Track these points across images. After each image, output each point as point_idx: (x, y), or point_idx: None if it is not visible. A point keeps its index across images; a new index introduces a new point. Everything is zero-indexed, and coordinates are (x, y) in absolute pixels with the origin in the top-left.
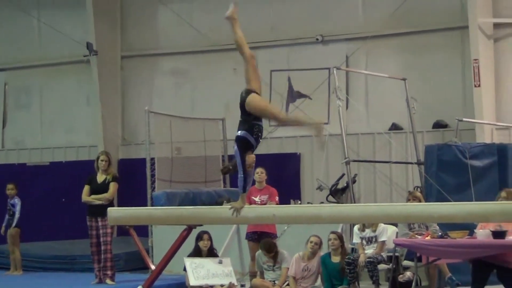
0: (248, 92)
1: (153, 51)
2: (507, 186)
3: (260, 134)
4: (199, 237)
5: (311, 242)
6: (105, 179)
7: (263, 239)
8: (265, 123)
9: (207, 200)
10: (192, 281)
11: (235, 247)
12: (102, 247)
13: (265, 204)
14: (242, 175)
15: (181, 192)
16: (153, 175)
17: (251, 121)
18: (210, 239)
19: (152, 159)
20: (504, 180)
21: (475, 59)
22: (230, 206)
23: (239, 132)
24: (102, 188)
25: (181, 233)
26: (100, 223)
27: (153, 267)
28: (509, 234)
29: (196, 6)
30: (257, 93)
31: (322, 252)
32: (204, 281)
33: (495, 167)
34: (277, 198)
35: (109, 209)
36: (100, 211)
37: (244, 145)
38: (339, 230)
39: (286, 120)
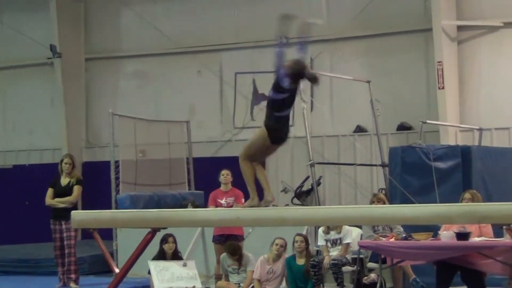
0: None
1: (117, 53)
2: (470, 188)
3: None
4: (164, 240)
5: (276, 244)
6: (69, 182)
7: (227, 242)
8: (230, 125)
9: (172, 202)
10: (156, 285)
11: (200, 250)
12: (66, 251)
13: (231, 206)
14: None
15: (146, 195)
16: (117, 178)
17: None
18: (175, 241)
19: (117, 161)
20: (467, 182)
21: (439, 62)
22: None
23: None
24: (66, 191)
25: (145, 236)
26: (64, 226)
27: (117, 270)
28: (472, 235)
29: (159, 8)
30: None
31: (287, 254)
32: (169, 284)
33: (459, 169)
34: (243, 200)
35: (72, 212)
36: (63, 214)
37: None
38: (304, 232)
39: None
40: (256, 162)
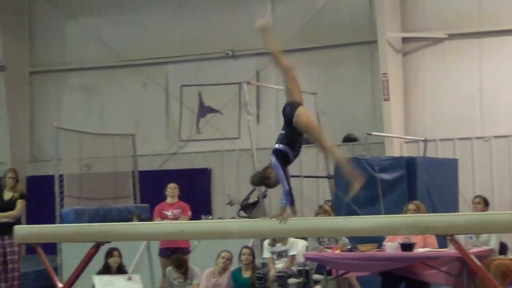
0: (293, 106)
1: (61, 66)
2: (415, 199)
3: (299, 150)
4: (109, 254)
5: (222, 257)
6: (12, 196)
7: (173, 255)
8: (176, 138)
9: (117, 216)
10: None
11: (145, 264)
12: (9, 266)
13: (177, 218)
14: (287, 188)
15: (91, 209)
16: (61, 192)
17: (294, 135)
18: (120, 255)
19: (61, 175)
20: (412, 193)
21: (384, 73)
22: (276, 218)
23: (280, 146)
24: (8, 206)
25: (89, 251)
26: (6, 242)
27: (60, 285)
28: (417, 246)
29: (104, 21)
30: (302, 105)
31: (233, 267)
32: None
33: (404, 180)
34: (189, 213)
35: (15, 227)
36: (6, 229)
37: (284, 159)
38: (250, 245)
39: (327, 149)
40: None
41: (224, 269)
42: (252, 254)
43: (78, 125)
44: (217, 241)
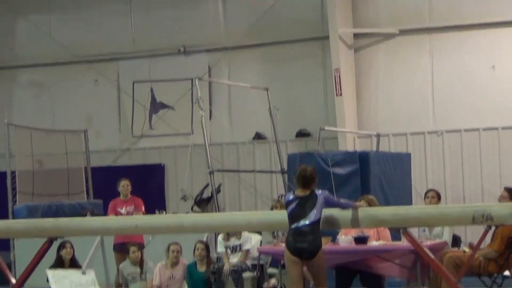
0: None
1: (10, 63)
2: (369, 193)
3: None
4: (61, 246)
5: (172, 251)
6: None
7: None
8: (128, 134)
9: (70, 212)
10: None
11: (99, 259)
12: None
13: (131, 214)
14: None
15: (44, 205)
16: (14, 189)
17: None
18: (72, 247)
19: (13, 172)
20: (366, 187)
21: (336, 69)
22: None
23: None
24: None
25: (42, 246)
26: None
27: (14, 281)
28: (371, 239)
29: (54, 17)
30: None
31: (187, 261)
32: None
33: (357, 174)
34: (143, 208)
35: None
36: None
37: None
38: (205, 239)
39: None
40: None
41: (176, 262)
42: (207, 249)
43: (30, 121)
44: (171, 235)
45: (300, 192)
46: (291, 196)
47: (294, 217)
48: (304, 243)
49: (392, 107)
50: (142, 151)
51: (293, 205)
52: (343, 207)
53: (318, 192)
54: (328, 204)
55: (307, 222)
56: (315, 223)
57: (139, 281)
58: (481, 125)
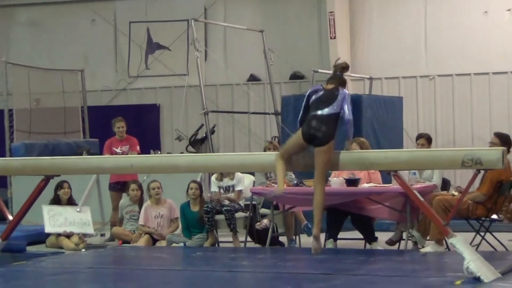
0: (329, 135)
1: (8, 1)
2: (361, 135)
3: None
4: (59, 186)
5: (153, 188)
6: None
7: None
8: (125, 74)
9: (67, 151)
10: (47, 228)
11: (95, 197)
12: None
13: (126, 154)
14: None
15: (41, 143)
16: (11, 127)
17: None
18: (69, 188)
19: (10, 110)
20: (358, 129)
21: (331, 12)
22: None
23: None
24: None
25: (39, 184)
26: None
27: (11, 217)
28: (362, 182)
29: None
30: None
31: (169, 198)
32: (60, 229)
33: None
34: (138, 148)
35: None
36: None
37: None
38: (198, 180)
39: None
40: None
41: (158, 199)
42: (200, 189)
43: (27, 60)
44: (166, 175)
45: (328, 86)
46: (318, 88)
47: (315, 104)
48: (318, 132)
49: (385, 51)
50: (138, 91)
51: (318, 94)
52: (347, 122)
53: (343, 90)
54: (344, 101)
55: (325, 112)
56: (333, 115)
57: (137, 218)
58: (472, 70)
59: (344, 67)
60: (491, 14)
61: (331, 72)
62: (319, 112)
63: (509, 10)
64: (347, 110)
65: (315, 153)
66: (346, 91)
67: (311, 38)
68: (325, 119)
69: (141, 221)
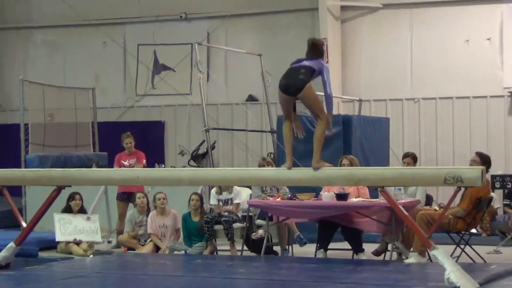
0: (304, 81)
1: (27, 23)
2: (350, 153)
3: None
4: (71, 198)
5: (158, 199)
6: None
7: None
8: (132, 93)
9: (78, 163)
10: (58, 237)
11: (103, 206)
12: None
13: (133, 166)
14: (331, 93)
15: (53, 156)
16: (27, 140)
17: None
18: (81, 199)
19: (26, 124)
20: (348, 148)
21: (324, 38)
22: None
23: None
24: None
25: (51, 193)
26: None
27: (24, 224)
28: (351, 196)
29: None
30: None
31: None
32: (71, 236)
33: (340, 136)
34: (144, 161)
35: None
36: None
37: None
38: (199, 192)
39: (323, 119)
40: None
41: (163, 210)
42: (201, 200)
43: (42, 78)
44: (170, 187)
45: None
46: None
47: (292, 64)
48: (290, 80)
49: (374, 75)
50: (145, 109)
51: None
52: (327, 96)
53: (323, 61)
54: (321, 74)
55: (301, 64)
56: (307, 67)
57: (145, 225)
58: (454, 94)
59: (315, 43)
60: (472, 43)
61: (323, 94)
62: (293, 66)
63: (488, 39)
64: (327, 81)
65: (302, 102)
66: (325, 64)
67: None
68: (296, 68)
69: (149, 230)
